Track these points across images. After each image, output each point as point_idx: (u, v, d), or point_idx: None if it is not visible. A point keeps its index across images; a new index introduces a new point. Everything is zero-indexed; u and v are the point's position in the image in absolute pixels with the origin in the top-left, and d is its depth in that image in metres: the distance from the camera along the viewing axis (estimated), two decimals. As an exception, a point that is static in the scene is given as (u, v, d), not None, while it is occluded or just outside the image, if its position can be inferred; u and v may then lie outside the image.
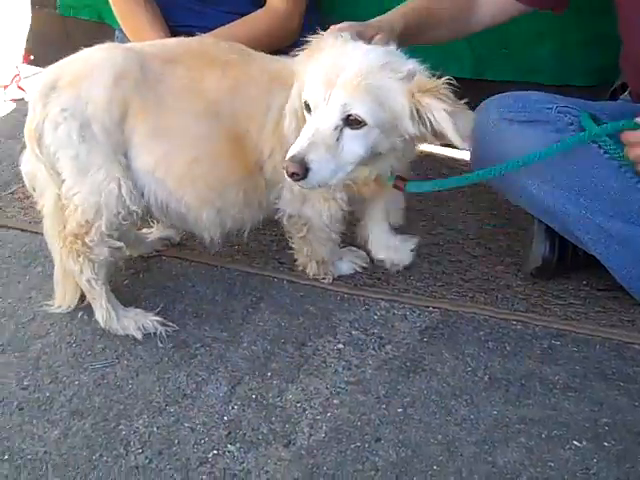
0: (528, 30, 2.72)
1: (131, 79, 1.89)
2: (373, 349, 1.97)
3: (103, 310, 2.01)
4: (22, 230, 2.48)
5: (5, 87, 3.66)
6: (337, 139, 1.68)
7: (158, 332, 2.01)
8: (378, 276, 2.25)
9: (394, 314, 2.10)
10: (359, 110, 1.66)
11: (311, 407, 1.79)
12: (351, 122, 1.68)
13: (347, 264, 2.28)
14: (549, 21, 2.59)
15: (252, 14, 2.45)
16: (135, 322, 2.02)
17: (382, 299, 2.15)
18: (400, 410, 1.78)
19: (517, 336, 2.01)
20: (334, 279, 2.22)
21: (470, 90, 2.75)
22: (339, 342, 1.99)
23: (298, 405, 1.79)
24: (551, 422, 1.73)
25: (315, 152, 1.66)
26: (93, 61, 1.92)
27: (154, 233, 2.40)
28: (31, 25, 3.60)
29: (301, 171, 1.65)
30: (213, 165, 1.97)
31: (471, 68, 2.87)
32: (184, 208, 2.00)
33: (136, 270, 2.30)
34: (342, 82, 1.67)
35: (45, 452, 1.67)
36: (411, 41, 2.02)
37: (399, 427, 1.73)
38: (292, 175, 1.67)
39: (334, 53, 1.75)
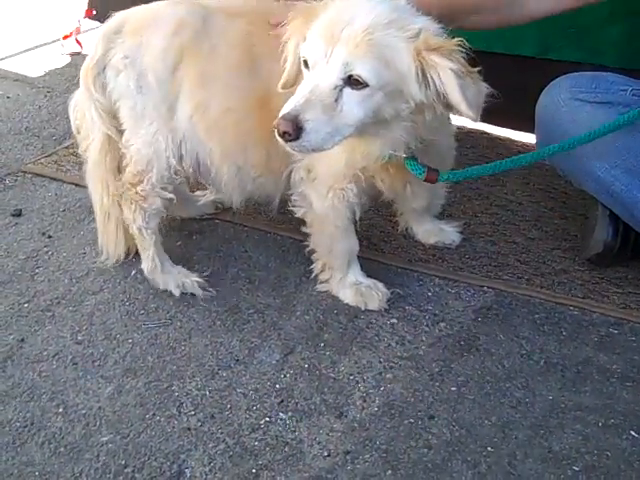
0: (599, 10, 2.61)
1: (191, 29, 1.89)
2: (427, 326, 1.94)
3: (149, 260, 2.04)
4: (77, 185, 2.49)
5: (65, 37, 3.68)
6: (336, 99, 1.53)
7: (200, 295, 2.02)
8: (433, 252, 2.22)
9: (448, 292, 2.07)
10: (361, 70, 1.51)
11: (364, 380, 1.77)
12: (352, 82, 1.53)
13: (355, 294, 2.02)
14: (621, 1, 2.50)
15: None
16: (175, 279, 2.04)
17: (436, 276, 2.12)
18: (454, 389, 1.76)
19: (574, 322, 1.97)
20: (389, 253, 2.18)
21: (532, 70, 2.73)
22: (392, 316, 1.97)
23: (351, 377, 1.78)
24: (608, 411, 1.70)
25: (311, 111, 1.50)
26: (158, 12, 1.95)
27: (207, 196, 2.39)
28: (95, -21, 3.60)
29: (293, 131, 1.50)
30: (241, 118, 1.91)
31: (535, 46, 2.77)
32: (208, 159, 1.98)
33: (189, 232, 2.30)
34: (345, 39, 1.52)
35: (99, 408, 1.68)
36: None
37: (453, 406, 1.71)
38: (283, 135, 1.52)
39: (339, 7, 1.61)
